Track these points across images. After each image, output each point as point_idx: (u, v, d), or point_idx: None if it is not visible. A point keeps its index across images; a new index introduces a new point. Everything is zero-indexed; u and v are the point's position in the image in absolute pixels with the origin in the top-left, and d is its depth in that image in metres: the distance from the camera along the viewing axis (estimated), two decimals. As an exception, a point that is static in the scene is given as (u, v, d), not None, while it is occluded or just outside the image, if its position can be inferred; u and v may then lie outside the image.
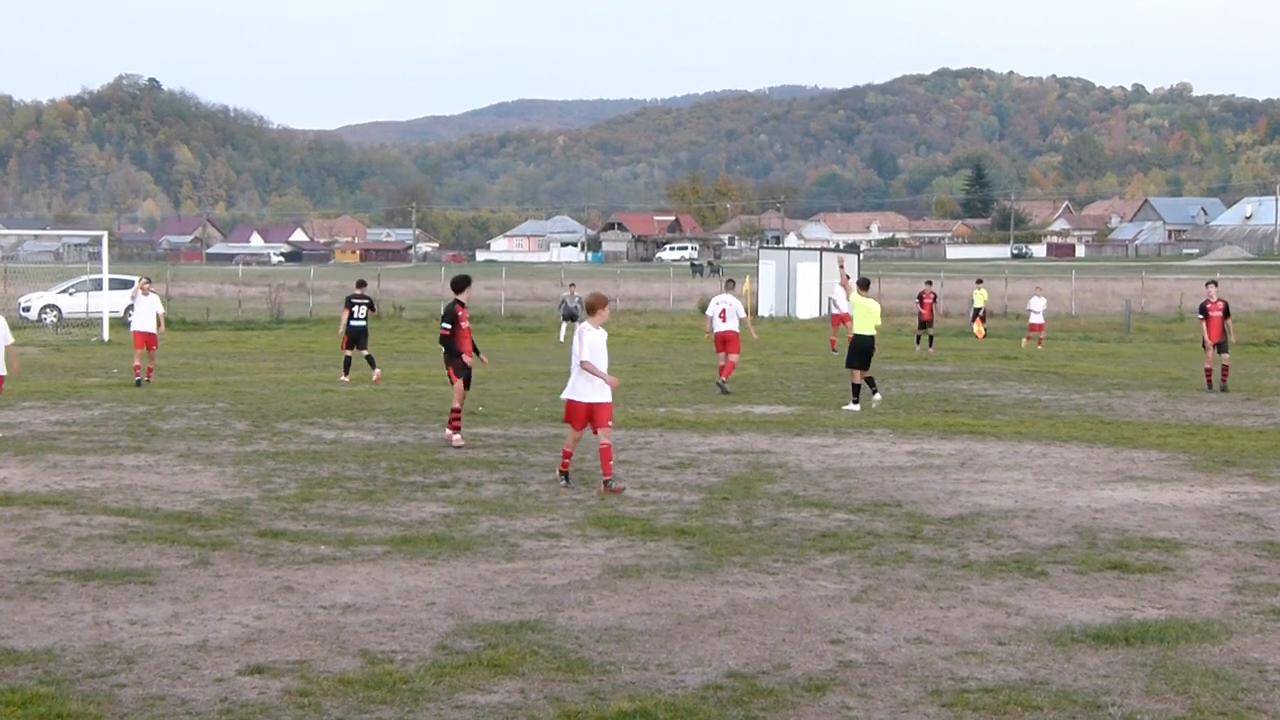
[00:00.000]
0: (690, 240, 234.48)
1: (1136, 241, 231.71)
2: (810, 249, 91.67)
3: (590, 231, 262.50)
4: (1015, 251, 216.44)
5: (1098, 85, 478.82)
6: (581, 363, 18.19)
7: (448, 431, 22.94)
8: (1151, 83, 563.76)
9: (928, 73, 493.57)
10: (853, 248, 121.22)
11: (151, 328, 35.29)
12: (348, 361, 35.57)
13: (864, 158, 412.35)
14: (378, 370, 35.55)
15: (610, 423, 18.41)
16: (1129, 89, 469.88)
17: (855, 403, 28.83)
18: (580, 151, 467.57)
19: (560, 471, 18.95)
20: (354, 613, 11.86)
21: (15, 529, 15.37)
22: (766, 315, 70.47)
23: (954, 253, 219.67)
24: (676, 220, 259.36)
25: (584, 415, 18.41)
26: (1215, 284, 35.31)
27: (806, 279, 71.54)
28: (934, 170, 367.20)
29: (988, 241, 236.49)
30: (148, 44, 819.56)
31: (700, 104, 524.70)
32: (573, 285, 59.40)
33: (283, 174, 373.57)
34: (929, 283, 52.71)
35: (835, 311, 47.50)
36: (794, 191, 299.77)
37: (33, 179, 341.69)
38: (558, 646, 10.82)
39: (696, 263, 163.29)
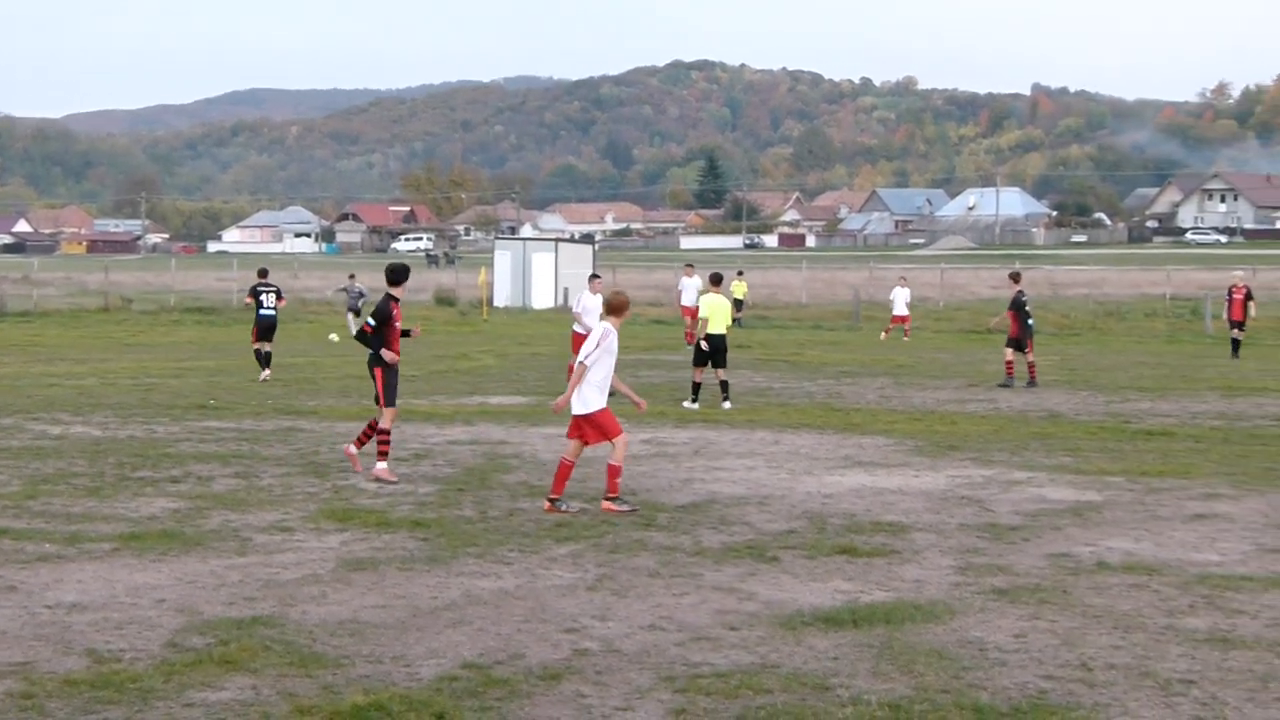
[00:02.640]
0: (426, 231, 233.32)
1: (865, 232, 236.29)
2: (545, 239, 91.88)
3: (324, 222, 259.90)
4: (748, 242, 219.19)
5: (827, 78, 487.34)
6: (580, 363, 16.44)
7: (379, 466, 18.72)
8: (879, 76, 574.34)
9: (661, 64, 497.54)
10: (587, 238, 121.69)
11: None
12: (266, 356, 33.49)
13: (599, 149, 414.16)
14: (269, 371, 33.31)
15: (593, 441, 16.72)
16: (857, 82, 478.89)
17: (694, 401, 27.94)
18: (314, 141, 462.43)
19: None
20: (80, 612, 11.60)
21: None
22: (502, 306, 70.45)
23: (687, 243, 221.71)
24: (412, 211, 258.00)
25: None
26: (1019, 276, 34.95)
27: (542, 269, 71.67)
28: (668, 161, 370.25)
29: (721, 232, 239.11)
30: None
31: (435, 94, 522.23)
32: (352, 276, 58.04)
33: (4, 162, 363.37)
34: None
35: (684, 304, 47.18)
36: (529, 182, 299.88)
37: None
38: (291, 641, 10.71)
39: (432, 253, 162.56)
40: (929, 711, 9.12)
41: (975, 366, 38.29)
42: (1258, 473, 19.40)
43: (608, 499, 16.38)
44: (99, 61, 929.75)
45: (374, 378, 18.93)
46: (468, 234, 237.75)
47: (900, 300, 51.99)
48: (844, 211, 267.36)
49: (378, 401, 18.84)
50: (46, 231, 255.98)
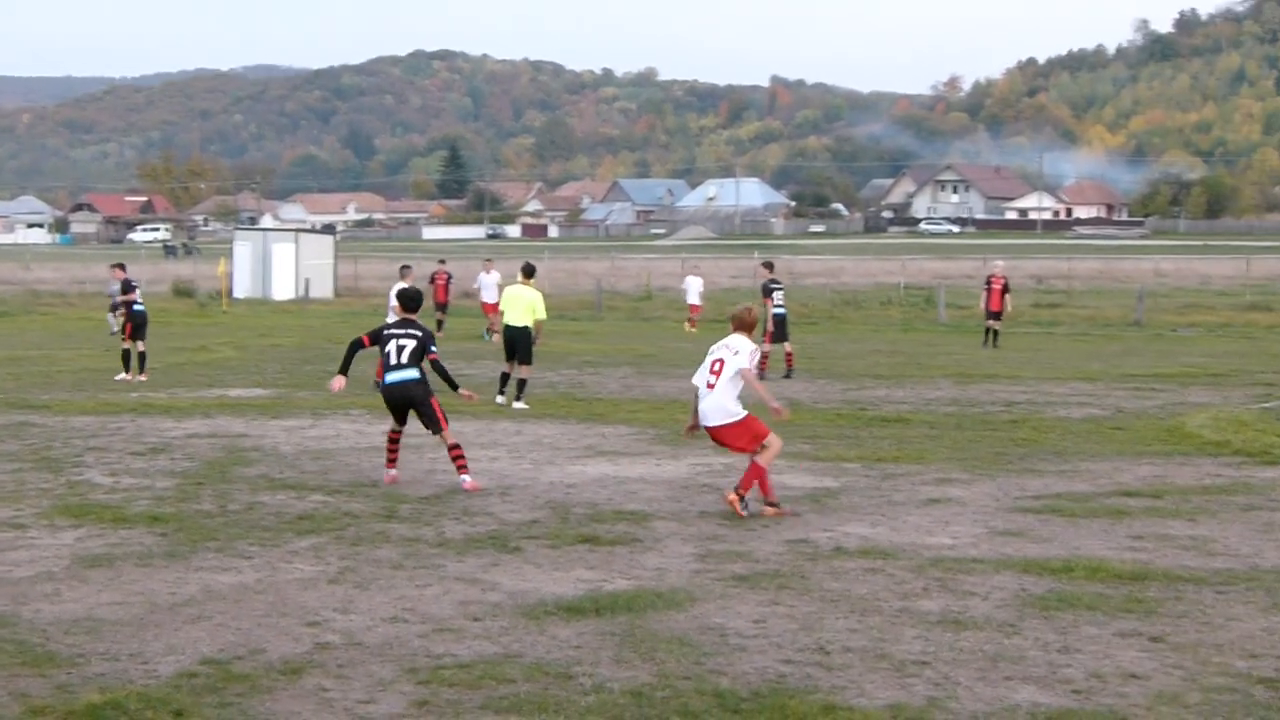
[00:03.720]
0: (163, 221, 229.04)
1: (607, 222, 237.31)
2: (286, 230, 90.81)
3: (58, 213, 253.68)
4: (490, 232, 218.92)
5: (568, 69, 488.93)
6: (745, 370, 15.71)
7: (465, 479, 17.39)
8: (619, 67, 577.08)
9: (403, 54, 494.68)
10: (329, 229, 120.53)
11: None
12: (131, 357, 31.50)
13: (340, 138, 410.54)
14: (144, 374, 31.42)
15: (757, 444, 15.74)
16: (598, 73, 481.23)
17: (502, 394, 26.98)
18: (46, 130, 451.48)
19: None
20: None
21: None
22: (242, 297, 69.48)
23: (430, 233, 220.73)
24: (149, 201, 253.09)
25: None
26: (771, 265, 35.01)
27: (282, 260, 70.81)
28: (410, 151, 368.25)
29: (463, 222, 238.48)
30: None
31: (172, 83, 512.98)
32: (116, 267, 55.50)
33: None
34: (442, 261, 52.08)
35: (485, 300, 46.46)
36: (270, 172, 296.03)
37: None
38: (23, 640, 10.49)
39: (170, 244, 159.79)
40: (671, 698, 9.24)
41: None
42: (988, 457, 19.95)
43: (769, 503, 15.62)
44: None
45: (428, 406, 17.32)
46: (206, 224, 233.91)
47: (694, 290, 51.88)
48: (586, 202, 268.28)
49: (437, 429, 17.44)
50: None
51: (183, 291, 70.00)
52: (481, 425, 23.42)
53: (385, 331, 17.63)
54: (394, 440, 17.86)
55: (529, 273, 27.85)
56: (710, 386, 15.78)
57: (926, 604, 11.74)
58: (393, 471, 17.82)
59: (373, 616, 11.27)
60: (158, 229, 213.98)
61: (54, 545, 13.87)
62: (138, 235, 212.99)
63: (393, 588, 12.22)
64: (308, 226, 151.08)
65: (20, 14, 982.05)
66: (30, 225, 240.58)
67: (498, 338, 29.98)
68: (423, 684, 9.53)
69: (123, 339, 32.04)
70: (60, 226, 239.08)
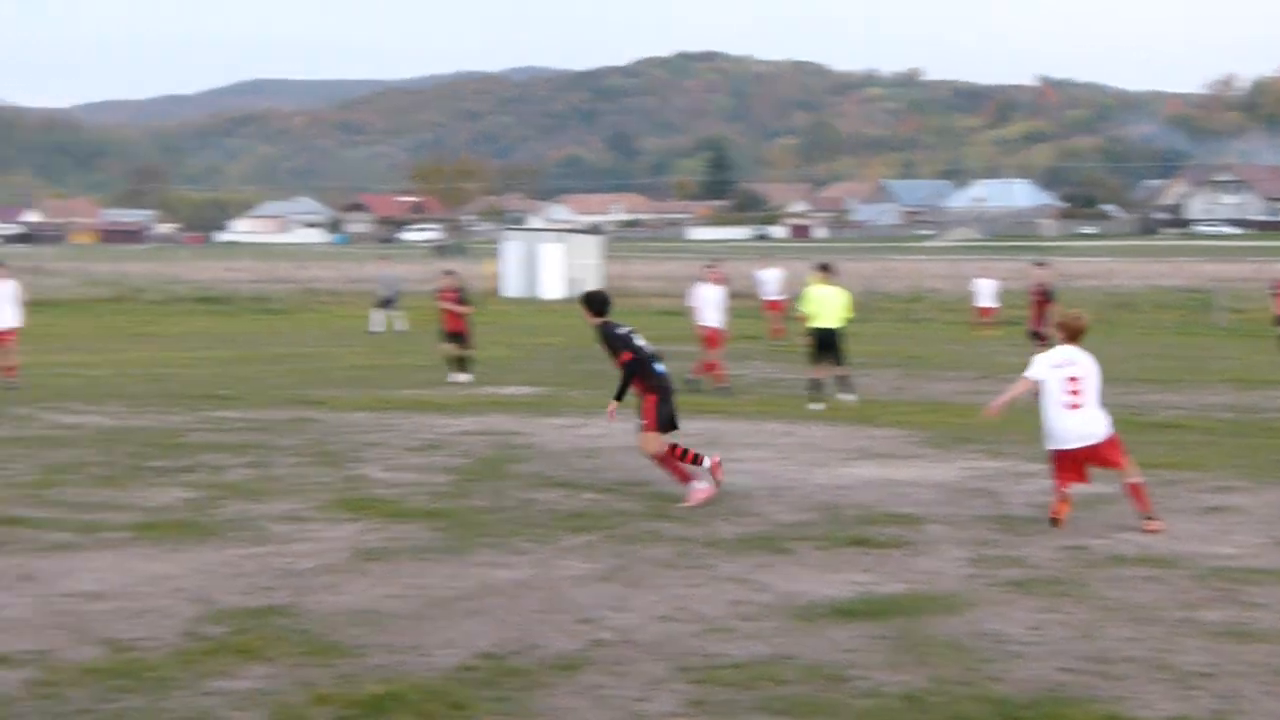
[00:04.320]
0: (434, 221, 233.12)
1: (874, 223, 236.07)
2: (554, 230, 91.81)
3: (333, 213, 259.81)
4: (757, 233, 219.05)
5: (832, 69, 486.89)
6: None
7: (698, 486, 16.39)
8: (884, 67, 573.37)
9: (667, 55, 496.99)
10: (595, 229, 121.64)
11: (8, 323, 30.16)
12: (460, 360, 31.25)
13: (605, 139, 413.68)
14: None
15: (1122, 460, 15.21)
16: (862, 73, 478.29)
17: (818, 401, 26.21)
18: (320, 132, 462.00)
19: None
20: (97, 600, 11.64)
21: None
22: (510, 296, 70.43)
23: (695, 234, 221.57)
24: (420, 201, 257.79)
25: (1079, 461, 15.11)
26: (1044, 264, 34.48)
27: (550, 260, 71.63)
28: (674, 152, 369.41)
29: (728, 223, 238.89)
30: None
31: (441, 85, 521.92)
32: (385, 258, 55.85)
33: (13, 153, 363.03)
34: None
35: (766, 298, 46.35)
36: (536, 173, 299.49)
37: None
38: (307, 630, 10.74)
39: (441, 244, 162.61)
40: (946, 703, 9.14)
41: (987, 358, 38.25)
42: (1270, 465, 19.37)
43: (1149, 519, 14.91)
44: (108, 52, 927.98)
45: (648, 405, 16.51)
46: (476, 225, 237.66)
47: (986, 292, 50.48)
48: (852, 203, 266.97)
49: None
50: (56, 221, 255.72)
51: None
52: (750, 426, 23.40)
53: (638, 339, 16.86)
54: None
55: (830, 271, 27.46)
56: (1075, 407, 14.88)
57: (1210, 614, 11.44)
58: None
59: (645, 614, 11.32)
60: (429, 229, 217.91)
61: (334, 538, 14.18)
62: (409, 235, 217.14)
63: (665, 586, 12.26)
64: (574, 227, 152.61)
65: (295, 19, 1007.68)
66: (307, 225, 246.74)
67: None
68: (696, 683, 9.55)
69: (456, 344, 31.49)
70: (335, 226, 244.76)
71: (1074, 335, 15.25)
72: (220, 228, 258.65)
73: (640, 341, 16.57)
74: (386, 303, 49.38)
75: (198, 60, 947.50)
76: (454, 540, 14.03)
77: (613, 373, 17.28)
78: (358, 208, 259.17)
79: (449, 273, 32.61)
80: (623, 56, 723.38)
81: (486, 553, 13.51)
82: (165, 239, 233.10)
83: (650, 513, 15.59)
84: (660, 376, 16.52)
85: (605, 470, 18.59)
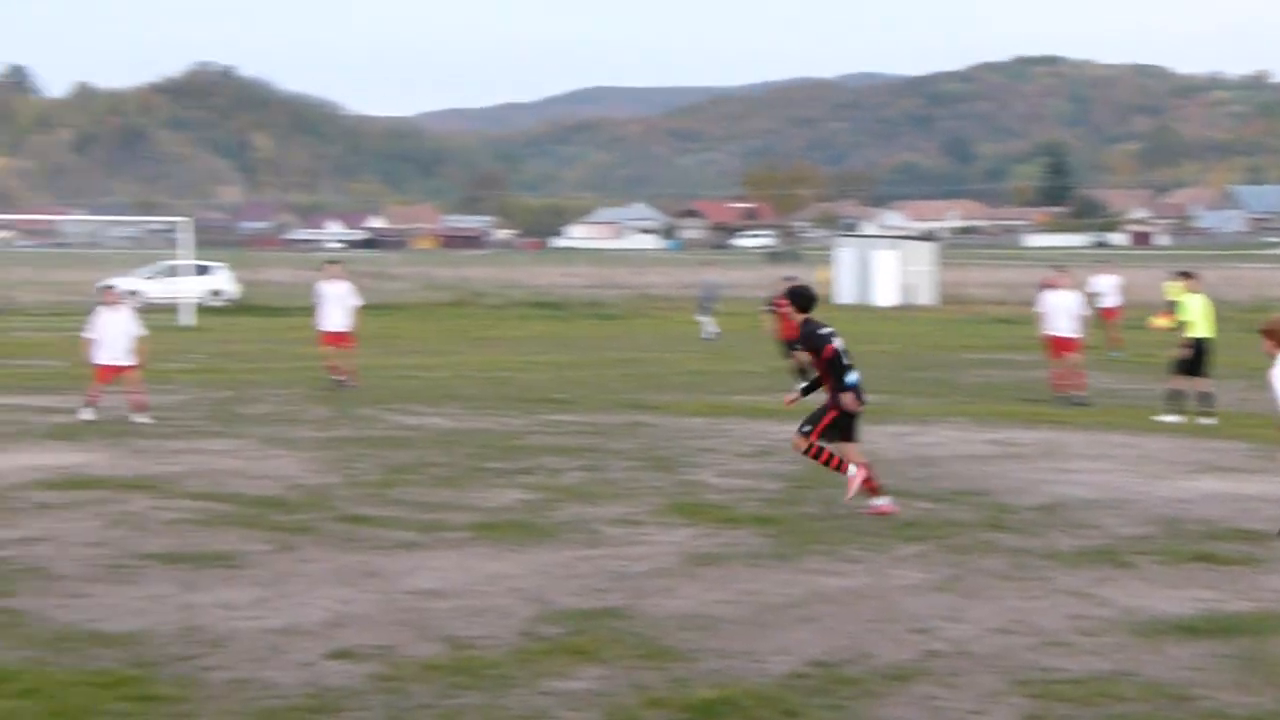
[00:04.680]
0: (766, 228, 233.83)
1: (1218, 230, 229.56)
2: (887, 236, 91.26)
3: (666, 219, 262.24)
4: (1096, 240, 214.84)
5: (1175, 72, 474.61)
6: None
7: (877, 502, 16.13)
8: (1230, 70, 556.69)
9: (1004, 60, 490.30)
10: (928, 235, 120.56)
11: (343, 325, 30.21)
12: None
13: (940, 145, 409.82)
14: None
15: None
16: (1207, 75, 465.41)
17: (1177, 414, 25.41)
18: (654, 139, 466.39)
19: None
20: (438, 598, 11.90)
21: (102, 512, 15.51)
22: (844, 303, 70.21)
23: (1032, 241, 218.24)
24: (752, 208, 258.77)
25: None
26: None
27: (884, 267, 71.22)
28: (1010, 158, 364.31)
29: (1066, 229, 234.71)
30: (223, 31, 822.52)
31: (774, 91, 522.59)
32: (708, 263, 55.56)
33: (359, 160, 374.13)
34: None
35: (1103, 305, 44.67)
36: (869, 179, 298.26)
37: (114, 165, 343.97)
38: (641, 633, 10.82)
39: (774, 250, 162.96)
40: (1297, 727, 8.82)
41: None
42: None
43: None
44: (450, 61, 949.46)
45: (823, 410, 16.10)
46: (808, 231, 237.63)
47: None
48: (1196, 208, 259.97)
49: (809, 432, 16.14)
50: (399, 227, 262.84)
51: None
52: (1090, 437, 22.93)
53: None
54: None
55: (1193, 279, 26.77)
56: None
57: None
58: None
59: (981, 626, 11.16)
60: (761, 235, 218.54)
61: (667, 542, 14.28)
62: (742, 242, 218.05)
63: (1001, 598, 12.07)
64: (908, 233, 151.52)
65: (632, 27, 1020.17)
66: (641, 231, 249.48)
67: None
68: (1034, 697, 9.37)
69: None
70: (669, 232, 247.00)
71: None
72: (557, 233, 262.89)
73: (840, 344, 16.09)
74: (704, 308, 49.40)
75: (537, 69, 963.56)
76: (786, 547, 14.01)
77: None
78: (691, 214, 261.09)
79: (789, 279, 31.87)
80: (959, 62, 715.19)
81: (818, 560, 13.46)
82: (503, 244, 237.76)
83: (986, 523, 15.37)
84: (852, 386, 16.05)
85: (940, 479, 18.38)
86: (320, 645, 10.43)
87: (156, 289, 63.75)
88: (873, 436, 22.36)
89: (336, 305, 30.17)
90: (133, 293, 62.38)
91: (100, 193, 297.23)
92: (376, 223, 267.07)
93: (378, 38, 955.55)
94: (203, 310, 58.69)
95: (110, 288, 25.27)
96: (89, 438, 21.71)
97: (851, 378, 15.93)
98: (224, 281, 67.42)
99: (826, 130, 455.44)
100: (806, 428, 16.03)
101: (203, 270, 65.89)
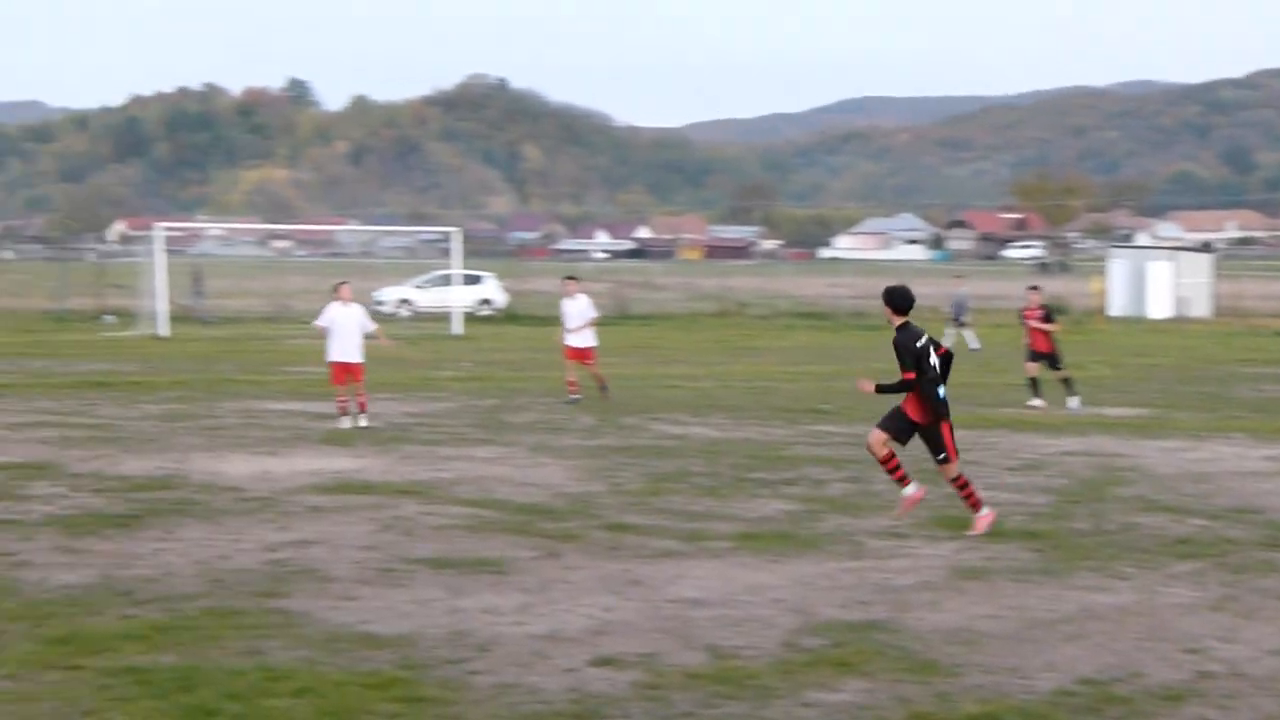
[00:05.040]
0: (1037, 238, 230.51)
1: None
2: (1162, 248, 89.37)
3: (935, 229, 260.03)
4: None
5: None
6: None
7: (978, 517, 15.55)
8: None
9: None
10: (1205, 247, 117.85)
11: (587, 341, 29.58)
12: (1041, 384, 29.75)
13: (1218, 154, 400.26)
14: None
15: None
16: None
17: None
18: (923, 149, 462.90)
19: None
20: (700, 607, 11.92)
21: (373, 517, 15.83)
22: (1117, 315, 68.94)
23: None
24: (1022, 218, 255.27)
25: None
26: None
27: (1158, 279, 69.74)
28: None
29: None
30: (496, 44, 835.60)
31: (1046, 100, 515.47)
32: (959, 276, 54.98)
33: (628, 171, 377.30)
34: None
35: None
36: (1144, 189, 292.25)
37: (388, 176, 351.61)
38: (905, 647, 10.72)
39: (1044, 261, 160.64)
40: None
41: None
42: None
43: None
44: (719, 72, 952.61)
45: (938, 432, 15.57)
46: (1080, 242, 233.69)
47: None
48: None
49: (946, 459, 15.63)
50: (666, 237, 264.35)
51: (1057, 309, 70.13)
52: (1371, 453, 22.18)
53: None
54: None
55: None
56: None
57: None
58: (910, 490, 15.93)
59: (1257, 647, 10.85)
60: (1032, 246, 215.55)
61: (932, 556, 14.14)
62: (1011, 252, 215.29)
63: (1278, 619, 11.71)
64: (1184, 244, 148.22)
65: (903, 37, 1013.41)
66: (908, 242, 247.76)
67: None
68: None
69: (1044, 364, 29.70)
70: (937, 243, 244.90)
71: None
72: (823, 244, 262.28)
73: (933, 359, 15.42)
74: (957, 320, 48.65)
75: (805, 79, 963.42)
76: (1053, 562, 13.78)
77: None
78: (959, 224, 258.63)
79: (1033, 289, 31.16)
80: (1240, 68, 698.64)
81: (1087, 576, 13.20)
82: (769, 255, 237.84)
83: (1262, 541, 14.94)
84: (942, 402, 15.44)
85: (1215, 496, 17.92)
86: (584, 652, 10.52)
87: (427, 298, 65.05)
88: (1145, 451, 21.96)
89: (577, 320, 29.53)
90: (405, 301, 63.93)
91: (374, 203, 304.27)
92: (643, 233, 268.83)
93: (647, 50, 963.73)
94: (472, 319, 59.68)
95: (344, 283, 25.65)
96: (361, 443, 22.18)
97: (943, 393, 15.44)
98: (493, 291, 68.53)
99: (1099, 139, 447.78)
100: (941, 457, 15.56)
101: (473, 280, 67.07)
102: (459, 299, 58.58)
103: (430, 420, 25.37)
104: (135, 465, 19.67)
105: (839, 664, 10.23)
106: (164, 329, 50.95)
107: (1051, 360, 29.44)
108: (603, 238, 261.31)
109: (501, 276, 72.43)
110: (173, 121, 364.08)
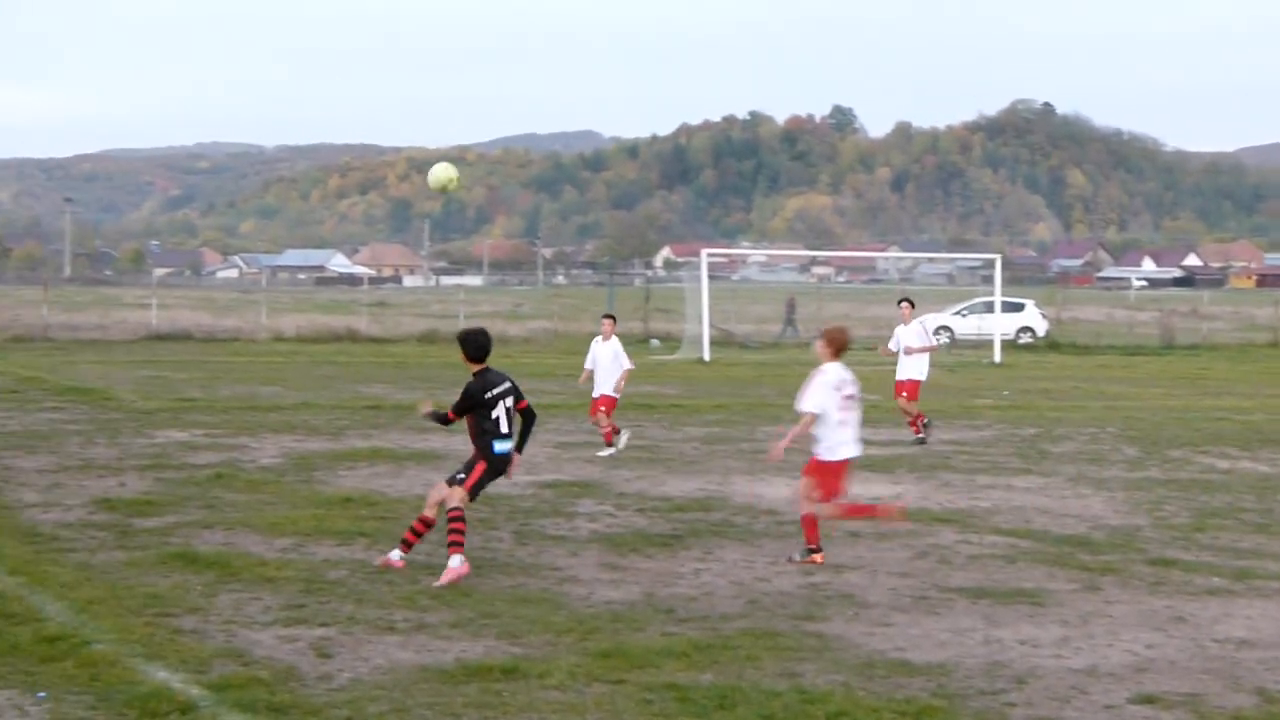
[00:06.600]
0: None
1: None
2: None
3: None
4: None
5: None
6: None
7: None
8: None
9: None
10: None
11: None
12: None
13: None
14: None
15: None
16: None
17: None
18: None
19: None
20: (1249, 648, 11.50)
21: (910, 544, 15.81)
22: None
23: None
24: None
25: None
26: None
27: None
28: None
29: None
30: (1042, 69, 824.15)
31: None
32: None
33: (1176, 196, 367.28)
34: None
35: None
36: None
37: (928, 203, 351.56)
38: None
39: None
40: None
41: None
42: None
43: None
44: (1276, 93, 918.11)
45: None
46: None
47: None
48: None
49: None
50: (1215, 265, 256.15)
51: None
52: None
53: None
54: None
55: None
56: None
57: None
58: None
59: None
60: None
61: None
62: None
63: None
64: None
65: None
66: None
67: None
68: None
69: None
70: None
71: None
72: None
73: None
74: None
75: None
76: None
77: None
78: None
79: None
80: None
81: None
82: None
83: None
84: None
85: None
86: (1125, 689, 10.27)
87: (967, 325, 64.62)
88: None
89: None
90: (943, 328, 63.65)
91: (914, 230, 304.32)
92: (1191, 260, 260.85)
93: (1198, 70, 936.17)
94: (1012, 347, 59.04)
95: (610, 317, 25.22)
96: (900, 470, 22.20)
97: None
98: (1034, 319, 67.63)
99: None
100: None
101: (1014, 307, 66.29)
102: (999, 327, 58.00)
103: (969, 449, 25.21)
104: (677, 486, 20.19)
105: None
106: (706, 353, 51.92)
107: None
108: (1149, 265, 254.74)
109: (1042, 304, 71.41)
110: (718, 149, 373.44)
